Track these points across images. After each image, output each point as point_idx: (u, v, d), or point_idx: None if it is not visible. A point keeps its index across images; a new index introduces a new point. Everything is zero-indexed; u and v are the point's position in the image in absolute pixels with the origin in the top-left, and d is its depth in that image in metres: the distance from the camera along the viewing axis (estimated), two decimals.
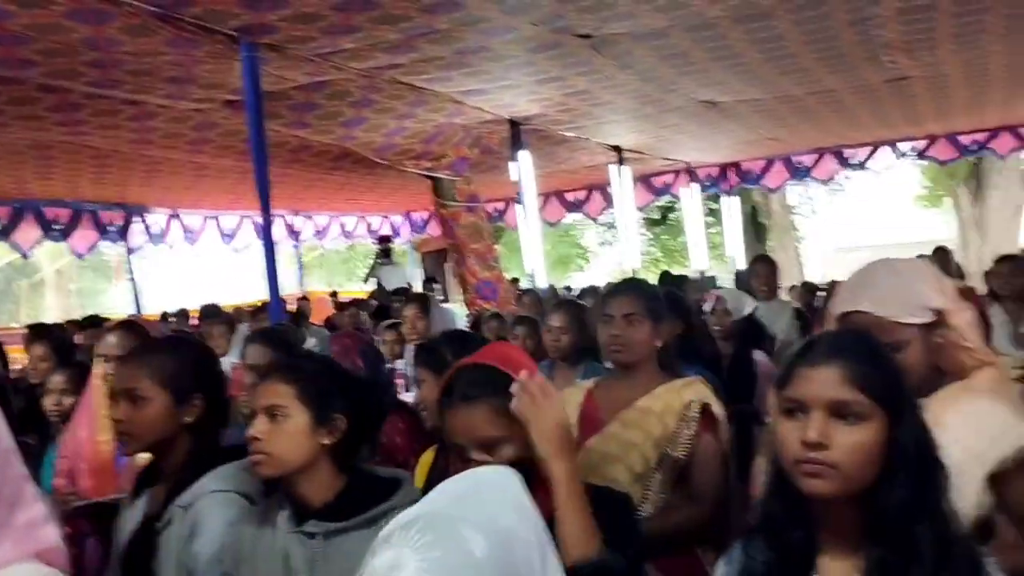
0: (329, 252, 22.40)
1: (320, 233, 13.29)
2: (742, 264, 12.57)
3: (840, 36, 5.72)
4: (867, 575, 1.37)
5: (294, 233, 12.73)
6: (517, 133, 7.59)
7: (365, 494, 1.88)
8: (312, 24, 4.52)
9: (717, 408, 2.53)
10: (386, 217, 14.22)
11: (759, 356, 4.37)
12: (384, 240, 12.99)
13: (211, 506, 2.01)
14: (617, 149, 9.74)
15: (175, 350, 2.21)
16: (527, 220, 7.99)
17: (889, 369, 1.42)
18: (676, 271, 13.89)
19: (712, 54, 5.99)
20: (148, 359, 2.14)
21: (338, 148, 7.62)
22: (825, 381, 1.38)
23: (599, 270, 23.67)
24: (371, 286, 12.97)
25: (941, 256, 8.15)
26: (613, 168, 9.92)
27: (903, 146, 11.48)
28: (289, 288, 13.39)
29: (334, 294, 13.59)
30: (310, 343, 6.36)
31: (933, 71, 7.10)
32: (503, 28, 4.91)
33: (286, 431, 1.87)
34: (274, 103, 5.67)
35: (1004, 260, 5.46)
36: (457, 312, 8.48)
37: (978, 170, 17.46)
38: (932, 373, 1.92)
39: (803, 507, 1.41)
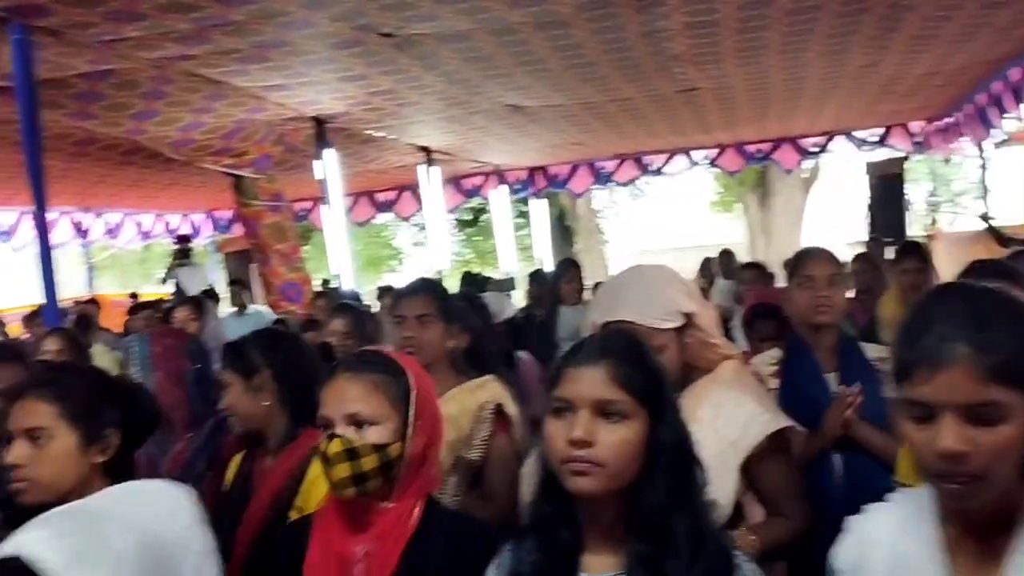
0: (123, 252, 21.11)
1: (112, 232, 12.46)
2: (549, 266, 12.90)
3: (634, 47, 5.96)
4: (627, 569, 1.40)
5: (82, 232, 11.88)
6: (322, 131, 7.42)
7: None
8: (92, 8, 4.23)
9: (511, 408, 2.55)
10: (186, 216, 13.56)
11: (524, 356, 4.41)
12: (182, 240, 12.39)
13: None
14: (426, 150, 9.73)
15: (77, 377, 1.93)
16: (333, 220, 7.84)
17: (652, 370, 1.47)
18: (487, 273, 14.08)
19: (516, 59, 6.10)
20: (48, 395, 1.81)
21: (129, 142, 7.19)
22: (591, 381, 1.40)
23: (412, 271, 23.61)
24: (170, 287, 12.32)
25: (725, 258, 8.67)
26: (422, 169, 9.91)
27: (696, 154, 12.14)
28: (77, 291, 12.51)
29: (134, 296, 12.81)
30: (97, 350, 5.94)
31: (720, 83, 7.54)
32: (302, 22, 4.79)
33: (50, 455, 1.70)
34: (53, 91, 5.27)
35: (747, 267, 5.80)
36: (266, 315, 8.20)
37: (764, 178, 18.74)
38: (682, 370, 2.03)
39: (570, 506, 1.43)
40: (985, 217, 8.51)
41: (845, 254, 6.75)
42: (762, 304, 3.93)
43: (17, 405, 1.76)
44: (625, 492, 1.41)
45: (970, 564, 1.28)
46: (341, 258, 7.89)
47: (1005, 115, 8.52)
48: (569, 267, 5.49)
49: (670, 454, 1.42)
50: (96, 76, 5.38)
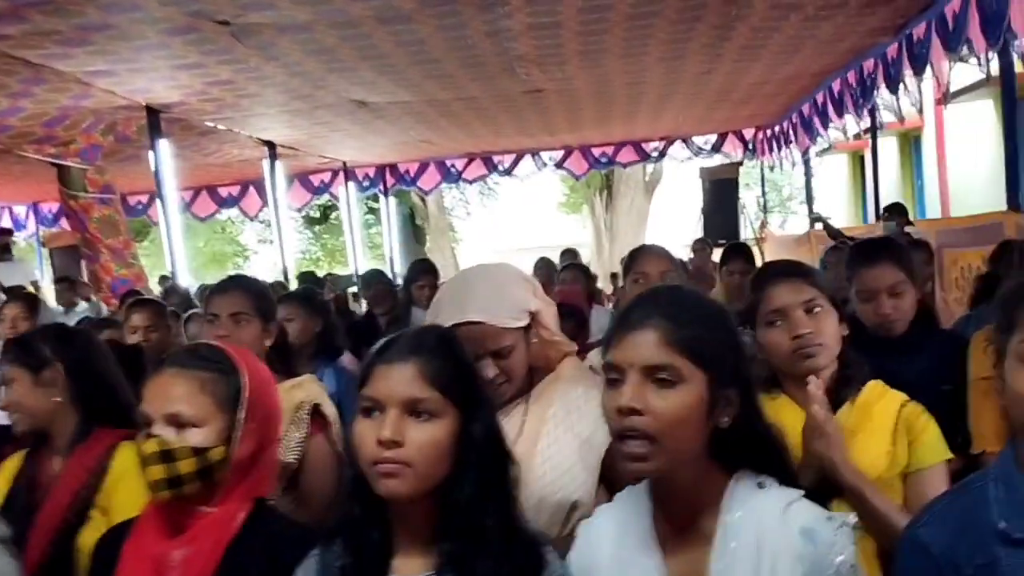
0: None
1: None
2: (399, 264, 12.80)
3: (478, 46, 5.99)
4: (438, 570, 1.38)
5: None
6: (155, 121, 7.08)
7: None
8: None
9: (329, 408, 2.45)
10: (7, 208, 12.68)
11: (347, 357, 4.32)
12: (1, 233, 11.53)
13: None
14: (270, 144, 9.47)
15: None
16: (167, 215, 7.49)
17: (462, 366, 1.44)
18: (337, 271, 13.83)
19: (360, 53, 6.01)
20: None
21: None
22: (400, 379, 1.37)
23: (257, 269, 22.91)
24: None
25: (568, 257, 8.83)
26: (267, 164, 9.64)
27: (544, 155, 12.36)
28: None
29: None
30: None
31: (564, 85, 7.68)
32: (128, 5, 4.55)
33: None
34: None
35: (566, 268, 5.89)
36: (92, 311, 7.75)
37: (609, 181, 19.27)
38: (528, 374, 2.02)
39: (380, 508, 1.39)
40: (819, 217, 9.01)
41: (683, 255, 7.03)
42: (564, 304, 4.01)
43: None
44: (436, 492, 1.38)
45: (682, 555, 1.35)
46: (176, 254, 7.55)
47: (829, 125, 9.08)
48: (424, 271, 5.41)
49: (481, 452, 1.39)
50: None
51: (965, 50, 5.54)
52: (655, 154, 12.47)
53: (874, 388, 1.92)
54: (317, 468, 2.34)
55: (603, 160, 12.39)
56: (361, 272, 12.09)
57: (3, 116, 6.42)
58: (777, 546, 1.30)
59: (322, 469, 2.34)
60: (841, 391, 1.90)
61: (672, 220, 20.28)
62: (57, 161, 7.36)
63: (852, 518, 1.33)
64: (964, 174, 10.78)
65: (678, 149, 12.14)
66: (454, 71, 6.70)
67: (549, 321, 2.05)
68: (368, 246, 13.96)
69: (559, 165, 12.46)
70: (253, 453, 1.65)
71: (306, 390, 2.44)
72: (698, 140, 12.14)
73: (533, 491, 1.90)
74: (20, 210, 12.87)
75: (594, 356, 3.09)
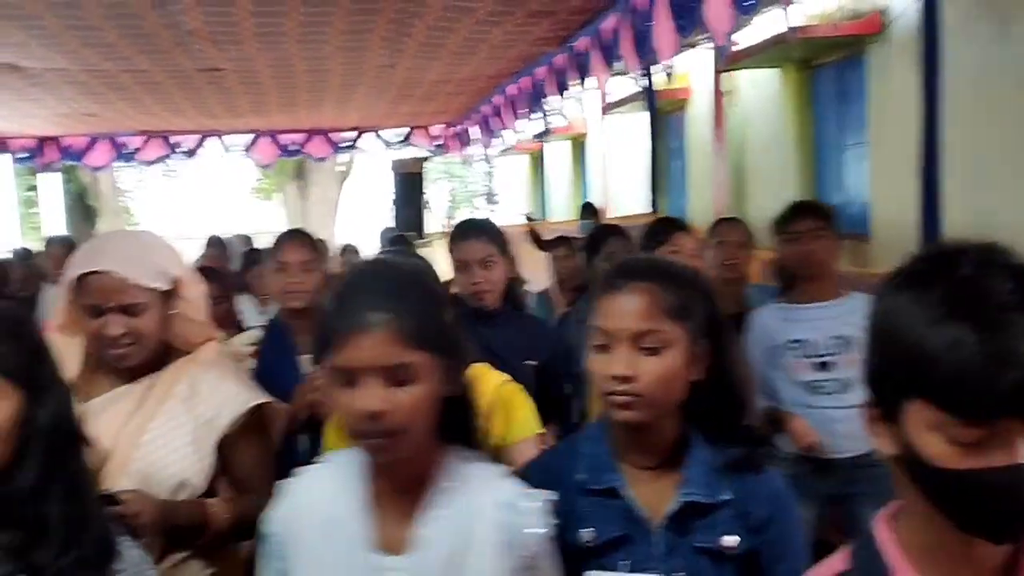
0: None
1: None
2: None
3: (144, 16, 5.64)
4: None
5: None
6: None
7: None
8: None
9: None
10: None
11: None
12: None
13: None
14: None
15: None
16: None
17: (27, 346, 1.38)
18: None
19: (5, 11, 5.43)
20: None
21: None
22: None
23: None
24: None
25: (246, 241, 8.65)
26: None
27: (229, 140, 11.86)
28: None
29: None
30: None
31: (243, 66, 7.43)
32: None
33: None
34: None
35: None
36: None
37: (303, 169, 18.98)
38: (163, 347, 1.96)
39: None
40: (530, 217, 9.56)
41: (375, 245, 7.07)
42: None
43: None
44: None
45: (392, 520, 1.40)
46: None
47: (503, 128, 9.57)
48: (56, 242, 5.02)
49: (45, 436, 1.35)
50: None
51: (622, 65, 6.06)
52: (346, 145, 12.42)
53: (476, 368, 2.08)
54: None
55: (292, 149, 12.12)
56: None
57: None
58: (480, 517, 1.39)
59: None
60: None
61: (363, 209, 20.38)
62: None
63: (549, 494, 1.44)
64: (622, 178, 11.82)
65: (368, 142, 12.18)
66: (116, 41, 6.25)
67: (195, 299, 2.01)
68: (28, 226, 12.63)
69: (246, 151, 12.02)
70: None
71: None
72: (388, 133, 12.27)
73: (139, 467, 1.86)
74: None
75: (238, 340, 3.06)
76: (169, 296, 1.94)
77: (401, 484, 1.41)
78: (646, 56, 5.56)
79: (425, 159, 12.60)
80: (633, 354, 1.47)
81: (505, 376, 2.12)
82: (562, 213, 13.95)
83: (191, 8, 5.52)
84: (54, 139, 11.49)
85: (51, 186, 12.09)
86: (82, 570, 1.31)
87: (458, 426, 1.46)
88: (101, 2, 5.28)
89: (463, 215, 20.88)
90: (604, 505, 1.53)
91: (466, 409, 1.47)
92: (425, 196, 12.26)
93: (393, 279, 1.39)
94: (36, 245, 12.04)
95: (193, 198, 25.99)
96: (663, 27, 5.14)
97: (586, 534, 1.51)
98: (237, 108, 9.75)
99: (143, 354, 1.90)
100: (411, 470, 1.41)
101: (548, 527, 1.41)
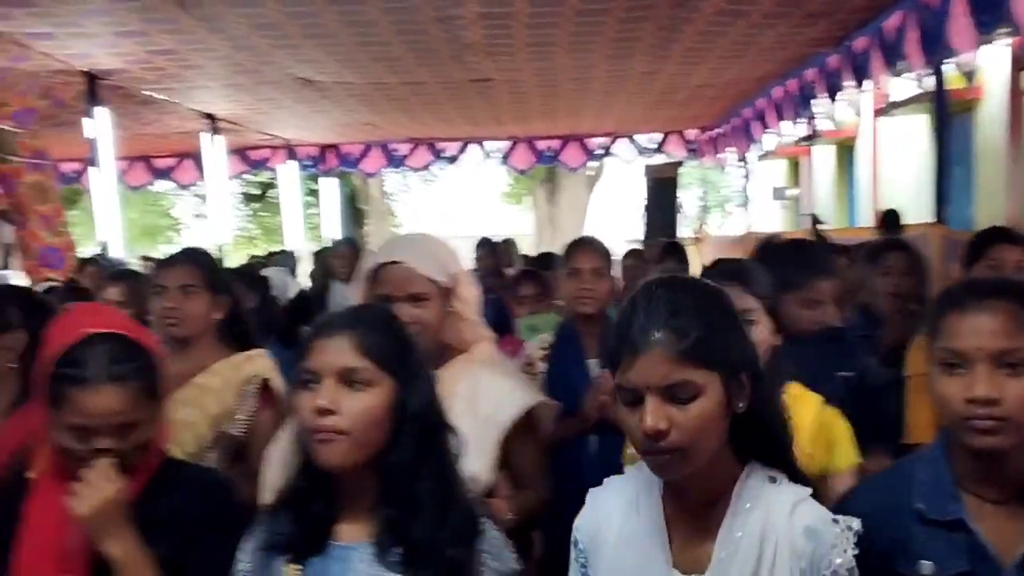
0: None
1: None
2: None
3: (428, 31, 5.99)
4: (376, 534, 1.43)
5: None
6: (94, 88, 6.92)
7: None
8: None
9: (278, 383, 2.48)
10: None
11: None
12: None
13: None
14: (211, 117, 9.31)
15: None
16: (103, 184, 7.33)
17: (398, 337, 1.49)
18: (274, 249, 13.65)
19: (306, 31, 5.96)
20: None
21: None
22: (335, 350, 1.42)
23: (191, 243, 22.49)
24: None
25: (505, 246, 8.90)
26: (206, 137, 9.48)
27: (489, 146, 12.35)
28: None
29: None
30: None
31: (512, 76, 7.71)
32: None
33: None
34: None
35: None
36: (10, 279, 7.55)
37: (553, 173, 19.37)
38: (440, 345, 2.07)
39: (324, 478, 1.44)
40: (817, 219, 9.10)
41: (622, 250, 7.14)
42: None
43: None
44: (375, 460, 1.43)
45: (688, 538, 1.39)
46: (110, 225, 7.40)
47: (765, 131, 9.28)
48: (342, 243, 5.48)
49: (416, 420, 1.44)
50: None
51: (903, 64, 5.71)
52: (600, 151, 12.55)
53: (792, 389, 2.01)
54: (263, 443, 2.36)
55: (548, 155, 12.42)
56: (297, 252, 11.97)
57: None
58: (781, 541, 1.34)
59: (268, 444, 2.36)
60: None
61: (612, 214, 20.50)
62: None
63: (856, 523, 1.37)
64: (895, 185, 11.11)
65: (622, 147, 12.25)
66: (402, 55, 6.68)
67: (469, 299, 2.11)
68: (307, 227, 13.77)
69: (504, 159, 12.47)
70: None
71: (256, 364, 2.45)
72: (642, 139, 12.27)
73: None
74: None
75: (530, 344, 3.17)
76: (448, 293, 2.05)
77: (695, 501, 1.39)
78: (935, 54, 5.19)
79: (679, 164, 12.47)
80: (995, 375, 1.38)
81: (818, 397, 2.04)
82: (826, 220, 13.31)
83: (472, 23, 5.80)
84: (334, 147, 12.49)
85: (329, 190, 13.11)
86: (452, 545, 1.41)
87: (758, 443, 1.41)
88: (394, 20, 5.66)
89: (715, 221, 20.52)
90: (947, 538, 1.44)
91: (766, 426, 1.41)
92: (678, 201, 12.12)
93: (674, 297, 1.35)
94: (316, 245, 13.14)
95: (448, 202, 27.30)
96: (960, 23, 4.77)
97: (926, 566, 1.44)
98: (500, 116, 10.13)
99: (424, 344, 2.00)
100: (704, 487, 1.38)
101: (853, 557, 1.34)
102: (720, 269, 2.13)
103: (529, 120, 10.58)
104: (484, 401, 2.04)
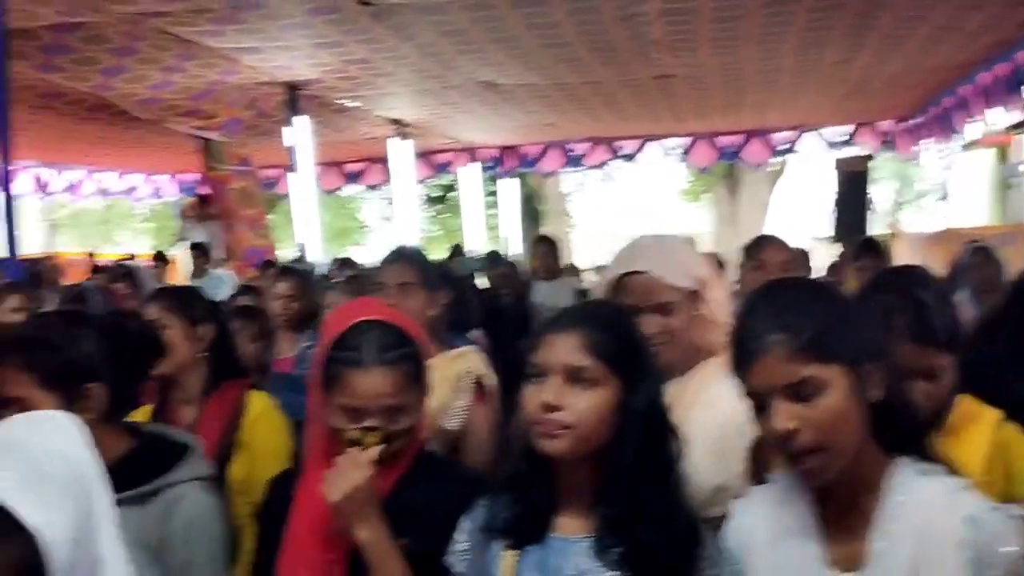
0: (84, 211, 20.81)
1: (73, 189, 12.26)
2: (517, 246, 12.89)
3: (611, 30, 5.97)
4: (597, 533, 1.44)
5: (42, 187, 11.65)
6: (294, 98, 7.36)
7: (148, 462, 1.73)
8: None
9: (489, 379, 2.54)
10: (150, 176, 13.36)
11: (476, 334, 4.42)
12: (203, 200, 11.95)
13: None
14: (398, 122, 9.68)
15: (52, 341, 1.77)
16: (301, 188, 7.78)
17: (628, 338, 1.49)
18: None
19: (491, 35, 6.08)
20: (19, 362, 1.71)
21: (95, 97, 7.07)
22: (563, 347, 1.43)
23: (378, 245, 23.47)
24: (178, 249, 11.96)
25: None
26: (393, 142, 9.86)
27: (668, 143, 12.18)
28: (36, 248, 12.29)
29: (91, 255, 12.52)
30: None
31: (695, 71, 7.57)
32: None
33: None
34: (20, 41, 5.16)
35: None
36: (226, 279, 8.11)
37: (734, 171, 18.86)
38: (689, 350, 2.00)
39: (546, 468, 1.46)
40: None
41: (808, 248, 6.86)
42: None
43: None
44: (598, 456, 1.44)
45: (842, 535, 1.35)
46: (308, 227, 7.83)
47: (970, 120, 8.66)
48: (540, 243, 5.55)
49: (641, 421, 1.44)
50: (64, 28, 5.29)
51: None
52: (784, 146, 12.11)
53: (963, 403, 1.80)
54: (478, 436, 2.44)
55: (729, 151, 12.11)
56: (480, 252, 12.25)
57: (155, 89, 6.77)
58: (940, 532, 1.28)
59: (482, 437, 2.44)
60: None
61: (794, 211, 19.76)
62: (200, 134, 7.72)
63: (1018, 510, 1.31)
64: None
65: (809, 141, 11.77)
66: (584, 55, 6.70)
67: (717, 301, 2.03)
68: (486, 227, 14.07)
69: (684, 155, 12.26)
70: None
71: (469, 361, 2.53)
72: (830, 132, 11.75)
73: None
74: (162, 179, 13.54)
75: None
76: (694, 297, 1.98)
77: (845, 498, 1.35)
78: None
79: (869, 157, 11.83)
80: None
81: (997, 413, 1.85)
82: None
83: (655, 19, 5.74)
84: (514, 148, 12.70)
85: (509, 191, 13.34)
86: (675, 548, 1.40)
87: (903, 436, 1.36)
88: (578, 20, 5.68)
89: (910, 217, 19.38)
90: None
91: (903, 416, 1.36)
92: (869, 196, 11.50)
93: (784, 296, 1.35)
94: (493, 245, 13.40)
95: (624, 201, 27.14)
96: None
97: None
98: (680, 113, 9.98)
99: (674, 354, 1.94)
100: (851, 483, 1.33)
101: (1019, 545, 1.25)
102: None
103: (710, 116, 10.36)
104: (734, 408, 1.97)
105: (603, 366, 1.43)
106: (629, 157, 12.52)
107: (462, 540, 1.56)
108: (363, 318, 1.74)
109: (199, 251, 9.31)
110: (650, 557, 1.39)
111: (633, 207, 26.15)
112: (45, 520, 1.00)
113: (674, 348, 1.93)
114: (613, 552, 1.41)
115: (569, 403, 1.41)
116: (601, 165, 13.14)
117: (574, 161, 12.66)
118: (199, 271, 8.74)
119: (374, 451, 1.63)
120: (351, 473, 1.60)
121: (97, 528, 1.10)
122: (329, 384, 1.69)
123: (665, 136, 12.02)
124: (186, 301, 2.50)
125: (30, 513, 1.00)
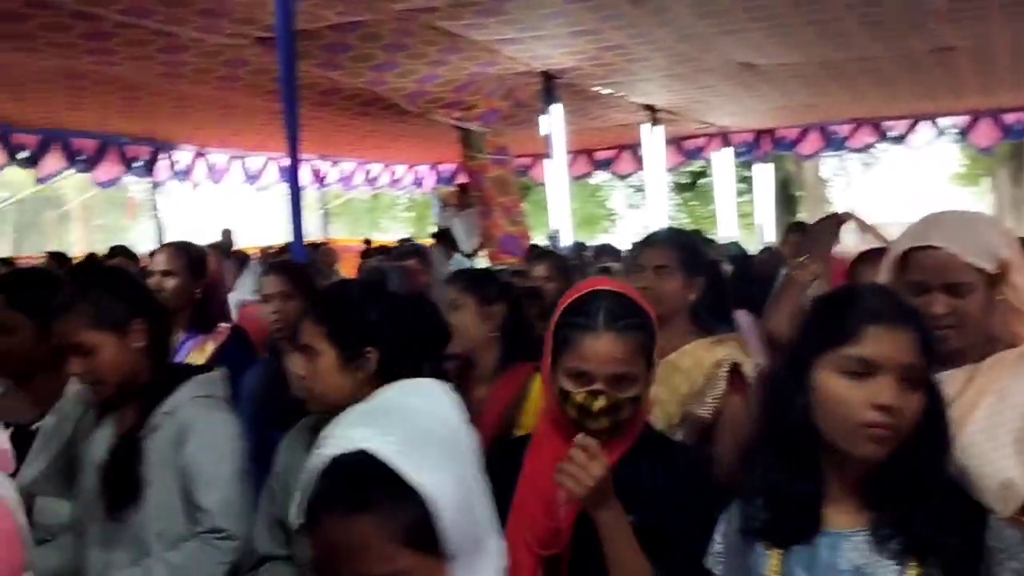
0: (354, 200, 22.41)
1: (345, 179, 13.23)
2: (771, 235, 12.40)
3: (884, 1, 5.56)
4: (873, 527, 1.39)
5: (320, 178, 12.67)
6: (550, 86, 7.48)
7: None
8: None
9: (748, 368, 2.42)
10: (412, 167, 14.14)
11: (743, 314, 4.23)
12: (463, 189, 12.56)
13: (197, 410, 2.10)
14: (650, 108, 9.59)
15: (97, 287, 2.14)
16: (556, 176, 7.90)
17: (931, 334, 1.43)
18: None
19: (751, 14, 5.85)
20: (77, 309, 2.07)
21: (368, 92, 7.55)
22: (903, 345, 1.36)
23: (625, 232, 23.51)
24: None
25: None
26: (645, 128, 9.78)
27: (943, 122, 11.21)
28: (312, 234, 13.36)
29: (367, 242, 13.41)
30: None
31: (978, 43, 6.91)
32: None
33: (320, 369, 1.92)
34: (306, 42, 5.59)
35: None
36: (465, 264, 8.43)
37: (1019, 150, 17.08)
38: (985, 338, 1.81)
39: (809, 464, 1.42)
40: None
41: None
42: None
43: (302, 323, 1.98)
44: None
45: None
46: (561, 214, 7.96)
47: None
48: (796, 229, 5.34)
49: (936, 421, 1.39)
50: (345, 27, 5.67)
51: None
52: None
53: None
54: (731, 427, 2.34)
55: (1017, 130, 10.94)
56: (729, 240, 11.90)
57: (421, 83, 7.12)
58: None
59: (736, 428, 2.33)
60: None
61: None
62: (461, 124, 8.02)
63: None
64: None
65: None
66: (853, 29, 6.29)
67: (1021, 284, 1.82)
68: (739, 215, 13.65)
69: (961, 135, 11.23)
70: None
71: (728, 348, 2.44)
72: None
73: (957, 459, 1.74)
74: (421, 169, 14.30)
75: None
76: (996, 280, 1.78)
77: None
78: None
79: None
80: None
81: None
82: None
83: None
84: (770, 131, 12.21)
85: (763, 176, 12.85)
86: (960, 537, 1.34)
87: None
88: None
89: None
90: None
91: None
92: None
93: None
94: (746, 233, 12.98)
95: (889, 187, 25.40)
96: None
97: None
98: (960, 88, 9.15)
99: (963, 340, 1.77)
100: None
101: None
102: None
103: (995, 91, 9.42)
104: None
105: (927, 367, 1.37)
106: (898, 139, 11.67)
107: (718, 542, 1.54)
108: (598, 287, 1.78)
109: (443, 238, 9.74)
110: (935, 547, 1.33)
111: (899, 193, 24.41)
112: (431, 481, 1.06)
113: (964, 333, 1.75)
114: (893, 544, 1.35)
115: (903, 405, 1.35)
116: (866, 148, 12.36)
117: (836, 144, 11.98)
118: (443, 258, 9.12)
119: (595, 444, 1.61)
120: (591, 467, 1.58)
121: (475, 495, 1.14)
122: (560, 348, 1.72)
123: (940, 115, 11.08)
124: (480, 282, 2.67)
125: (417, 473, 1.05)
